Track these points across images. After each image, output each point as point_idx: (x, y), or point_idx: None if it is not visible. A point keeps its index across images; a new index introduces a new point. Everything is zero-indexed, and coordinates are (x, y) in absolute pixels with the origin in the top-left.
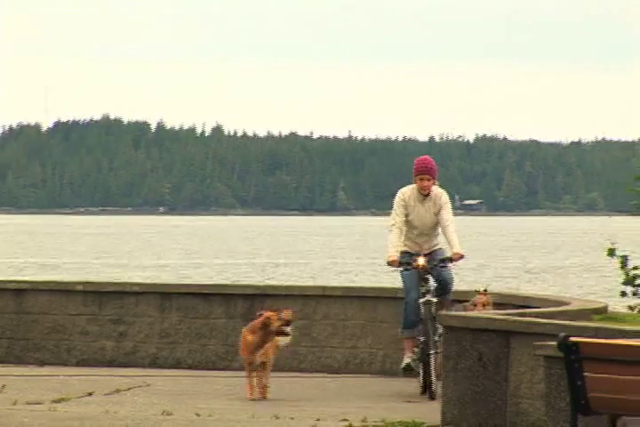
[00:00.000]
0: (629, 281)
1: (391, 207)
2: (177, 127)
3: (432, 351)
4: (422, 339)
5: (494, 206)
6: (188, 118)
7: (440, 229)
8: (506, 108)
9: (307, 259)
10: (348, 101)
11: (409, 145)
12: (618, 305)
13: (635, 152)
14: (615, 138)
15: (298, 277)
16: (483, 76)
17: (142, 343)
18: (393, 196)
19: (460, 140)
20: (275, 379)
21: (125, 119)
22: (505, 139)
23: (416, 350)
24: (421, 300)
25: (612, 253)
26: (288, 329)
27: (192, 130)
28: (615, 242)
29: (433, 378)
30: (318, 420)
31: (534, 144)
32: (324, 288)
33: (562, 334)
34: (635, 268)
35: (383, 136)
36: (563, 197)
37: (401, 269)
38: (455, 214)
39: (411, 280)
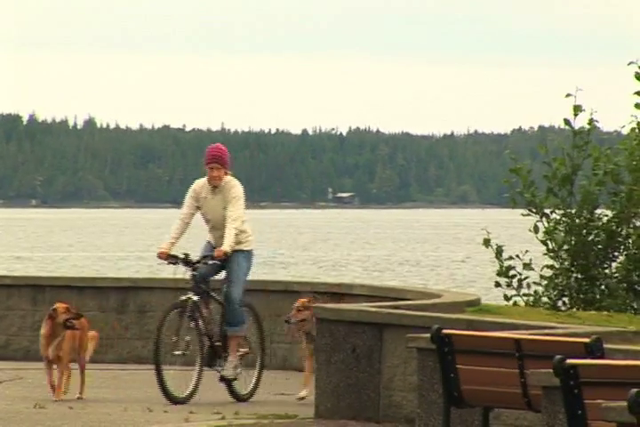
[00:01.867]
0: (503, 272)
1: (260, 200)
2: (49, 120)
3: (178, 352)
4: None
5: (367, 199)
6: (60, 111)
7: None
8: (378, 101)
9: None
10: (221, 94)
11: (282, 138)
12: (492, 296)
13: (506, 145)
14: (487, 131)
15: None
16: (354, 69)
17: (15, 336)
18: (264, 188)
19: (333, 132)
20: (144, 372)
21: None
22: (377, 131)
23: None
24: (182, 297)
25: (487, 243)
26: (76, 323)
27: (64, 122)
28: (490, 232)
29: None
30: (191, 413)
31: (406, 137)
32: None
33: (434, 327)
34: (510, 258)
35: (256, 129)
36: (435, 189)
37: (165, 262)
38: (327, 207)
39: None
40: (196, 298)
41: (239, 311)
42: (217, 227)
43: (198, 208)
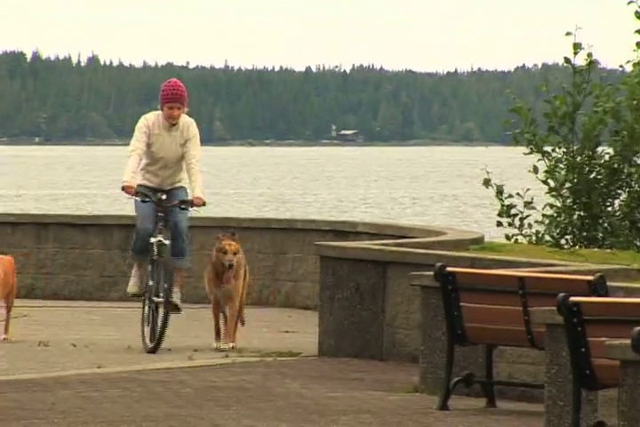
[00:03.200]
0: (505, 211)
1: (264, 138)
2: (52, 57)
3: (160, 299)
4: (151, 283)
5: (370, 137)
6: (64, 48)
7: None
8: (382, 39)
9: None
10: (225, 31)
11: (285, 75)
12: (494, 236)
13: (510, 83)
14: (491, 68)
15: None
16: (355, 6)
17: (18, 274)
18: (268, 126)
19: (337, 70)
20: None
21: (0, 49)
22: (381, 69)
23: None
24: (153, 239)
25: (487, 182)
26: None
27: (67, 60)
28: (490, 172)
29: (160, 330)
30: (195, 351)
31: (410, 74)
32: (197, 219)
33: (438, 264)
34: (510, 196)
35: (259, 66)
36: (439, 127)
37: (137, 198)
38: (331, 145)
39: (146, 210)
40: (168, 242)
41: (187, 244)
42: (168, 165)
43: (149, 145)
